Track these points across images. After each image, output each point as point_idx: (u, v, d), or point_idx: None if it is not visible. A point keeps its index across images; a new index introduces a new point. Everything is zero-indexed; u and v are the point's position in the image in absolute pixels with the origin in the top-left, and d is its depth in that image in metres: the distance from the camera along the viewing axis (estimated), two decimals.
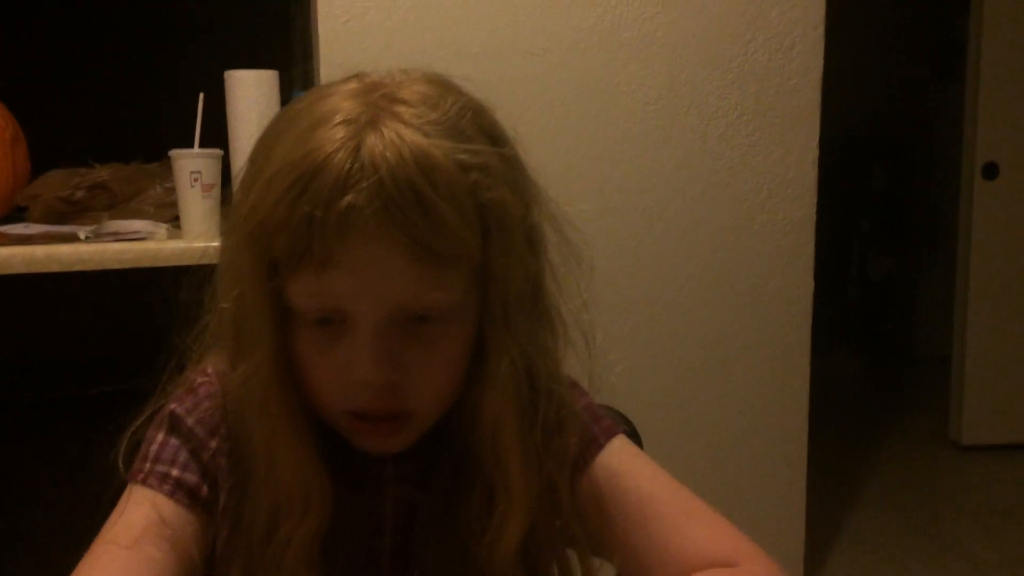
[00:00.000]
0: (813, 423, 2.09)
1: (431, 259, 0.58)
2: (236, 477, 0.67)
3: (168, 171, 1.56)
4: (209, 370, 0.70)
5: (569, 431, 0.69)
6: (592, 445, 0.71)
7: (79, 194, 1.59)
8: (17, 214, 1.64)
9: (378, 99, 0.60)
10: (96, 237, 1.45)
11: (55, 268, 1.35)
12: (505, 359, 0.63)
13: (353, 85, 0.61)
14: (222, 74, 1.55)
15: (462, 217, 0.59)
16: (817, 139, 2.00)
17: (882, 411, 3.86)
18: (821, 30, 1.97)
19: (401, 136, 0.57)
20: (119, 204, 1.61)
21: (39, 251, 1.36)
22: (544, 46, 1.82)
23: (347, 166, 0.57)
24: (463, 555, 0.68)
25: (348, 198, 0.56)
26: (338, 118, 0.58)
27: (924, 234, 4.48)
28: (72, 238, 1.44)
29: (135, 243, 1.43)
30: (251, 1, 1.89)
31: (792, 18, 1.94)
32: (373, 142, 0.57)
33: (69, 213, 1.58)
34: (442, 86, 0.63)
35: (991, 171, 3.25)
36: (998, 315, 3.30)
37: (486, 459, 0.65)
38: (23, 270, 1.34)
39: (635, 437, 0.97)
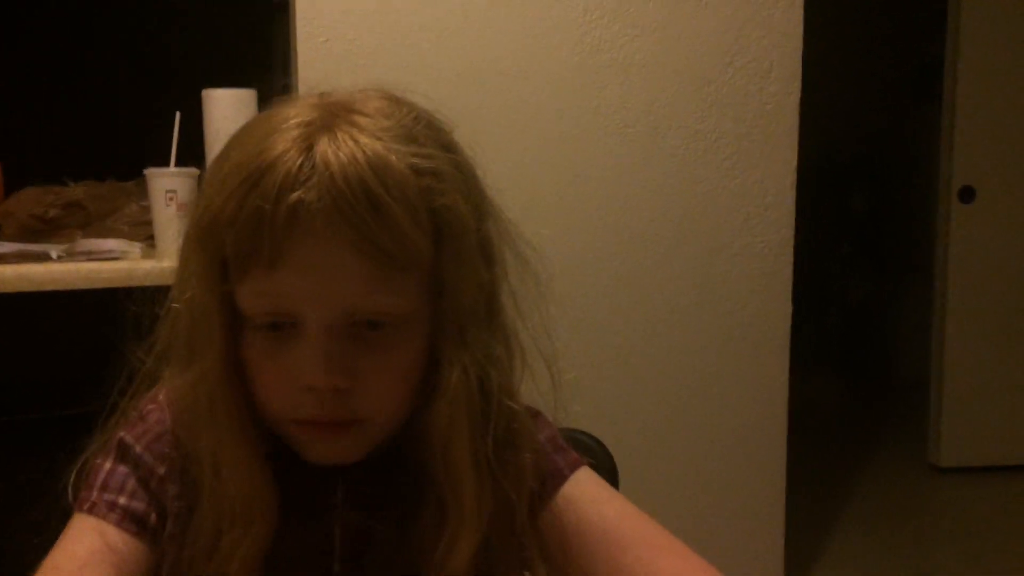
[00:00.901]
0: (792, 446, 2.09)
1: (381, 259, 0.58)
2: (183, 502, 0.66)
3: (143, 189, 1.55)
4: (159, 397, 0.69)
5: (522, 447, 0.68)
6: (556, 477, 0.70)
7: (53, 212, 1.57)
8: None
9: (334, 108, 0.61)
10: (69, 256, 1.43)
11: (26, 288, 1.33)
12: (457, 369, 0.62)
13: (313, 99, 0.62)
14: (200, 92, 1.54)
15: (413, 219, 0.59)
16: (795, 162, 2.01)
17: (861, 434, 3.87)
18: (799, 54, 1.99)
19: (355, 139, 0.58)
20: (93, 222, 1.60)
21: (9, 271, 1.34)
22: (523, 68, 1.83)
23: (298, 163, 0.57)
24: None
25: (298, 193, 0.57)
26: (293, 123, 0.59)
27: (903, 257, 4.52)
28: (44, 257, 1.42)
29: (108, 263, 1.41)
30: (230, 20, 1.88)
31: (770, 43, 1.96)
32: (326, 143, 0.58)
33: (43, 231, 1.56)
34: (397, 101, 0.64)
35: (968, 194, 3.28)
36: (975, 338, 3.33)
37: (437, 472, 0.64)
38: None
39: (609, 460, 0.97)
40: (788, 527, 2.10)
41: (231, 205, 0.58)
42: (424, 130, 0.62)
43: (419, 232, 0.59)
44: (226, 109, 1.52)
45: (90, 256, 1.43)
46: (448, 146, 0.64)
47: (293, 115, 0.60)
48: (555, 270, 2.09)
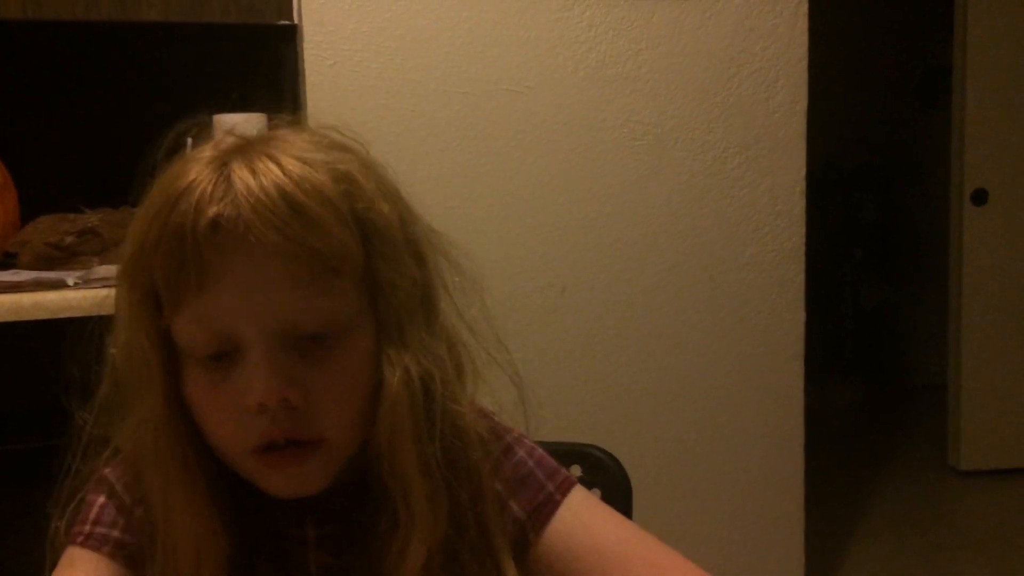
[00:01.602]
0: (809, 453, 2.08)
1: (311, 261, 0.58)
2: (153, 546, 0.65)
3: None
4: (129, 426, 0.68)
5: (470, 445, 0.66)
6: (548, 504, 0.69)
7: (69, 240, 1.58)
8: (7, 260, 1.64)
9: (248, 140, 0.62)
10: (85, 284, 1.45)
11: (42, 316, 1.35)
12: (399, 370, 0.62)
13: (231, 138, 0.63)
14: (211, 118, 1.56)
15: (338, 219, 0.59)
16: (804, 170, 2.01)
17: (879, 439, 3.85)
18: (804, 63, 1.99)
19: (269, 155, 0.59)
20: (109, 249, 1.61)
21: (26, 299, 1.36)
22: (530, 84, 1.84)
23: (214, 182, 0.58)
24: None
25: (215, 208, 0.57)
26: (207, 153, 0.61)
27: (916, 261, 4.50)
28: (60, 284, 1.44)
29: None
30: (239, 45, 1.90)
31: (775, 52, 1.97)
32: (239, 163, 0.59)
33: (59, 259, 1.58)
34: (307, 127, 0.65)
35: (980, 197, 3.27)
36: (992, 339, 3.31)
37: (385, 476, 0.62)
38: (9, 318, 1.34)
39: (623, 474, 0.97)
40: (808, 535, 2.09)
41: (153, 231, 0.58)
42: (337, 144, 0.64)
43: (345, 231, 0.59)
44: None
45: (106, 283, 1.44)
46: (363, 156, 0.65)
47: (207, 148, 0.61)
48: (566, 283, 2.07)
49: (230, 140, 0.62)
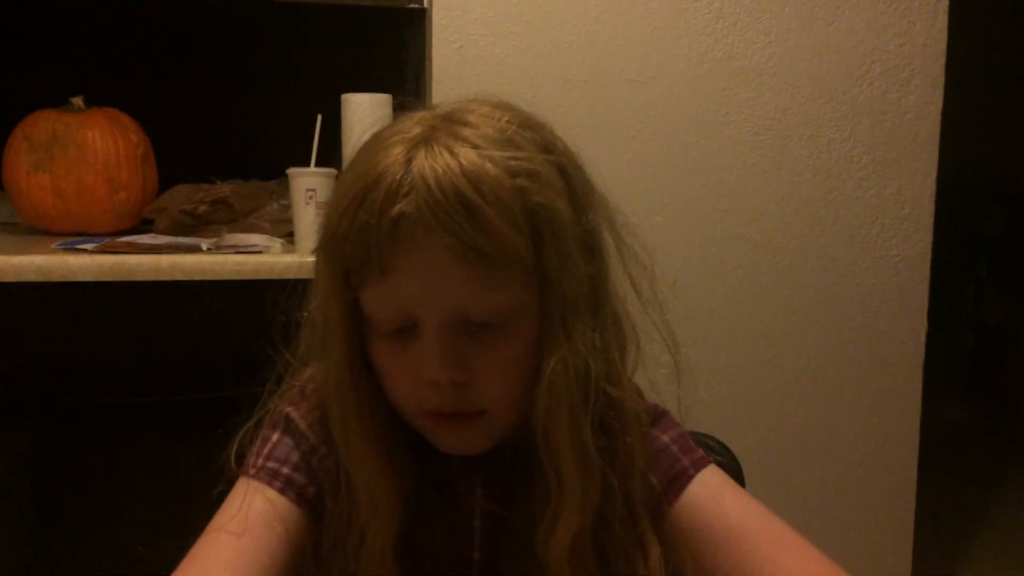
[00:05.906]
0: (922, 471, 2.00)
1: (480, 260, 0.62)
2: (341, 482, 0.70)
3: (285, 189, 1.62)
4: (319, 376, 0.74)
5: (626, 433, 0.70)
6: (681, 477, 0.72)
7: (202, 208, 1.66)
8: (145, 225, 1.73)
9: (439, 121, 0.65)
10: (217, 249, 1.51)
11: (179, 276, 1.42)
12: (556, 359, 0.65)
13: (422, 113, 0.67)
14: (339, 97, 1.60)
15: (508, 220, 0.62)
16: (935, 175, 1.94)
17: (995, 464, 3.66)
18: (941, 63, 1.91)
19: (450, 149, 0.62)
20: (238, 219, 1.68)
21: (164, 260, 1.43)
22: (652, 74, 1.83)
23: (398, 178, 0.62)
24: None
25: (398, 207, 0.61)
26: (396, 139, 0.64)
27: None
28: (195, 249, 1.51)
29: (253, 255, 1.49)
30: (366, 27, 1.95)
31: (911, 50, 1.89)
32: (423, 156, 0.62)
33: (192, 226, 1.66)
34: (501, 107, 0.67)
35: None
36: None
37: (542, 452, 0.67)
38: (150, 277, 1.41)
39: (735, 466, 0.96)
40: (916, 557, 2.01)
41: (345, 221, 0.63)
42: (523, 133, 0.66)
43: (515, 232, 0.62)
44: (363, 112, 1.57)
45: (236, 249, 1.51)
46: (546, 147, 0.67)
47: (398, 131, 0.64)
48: (679, 276, 2.05)
49: (420, 124, 0.64)
